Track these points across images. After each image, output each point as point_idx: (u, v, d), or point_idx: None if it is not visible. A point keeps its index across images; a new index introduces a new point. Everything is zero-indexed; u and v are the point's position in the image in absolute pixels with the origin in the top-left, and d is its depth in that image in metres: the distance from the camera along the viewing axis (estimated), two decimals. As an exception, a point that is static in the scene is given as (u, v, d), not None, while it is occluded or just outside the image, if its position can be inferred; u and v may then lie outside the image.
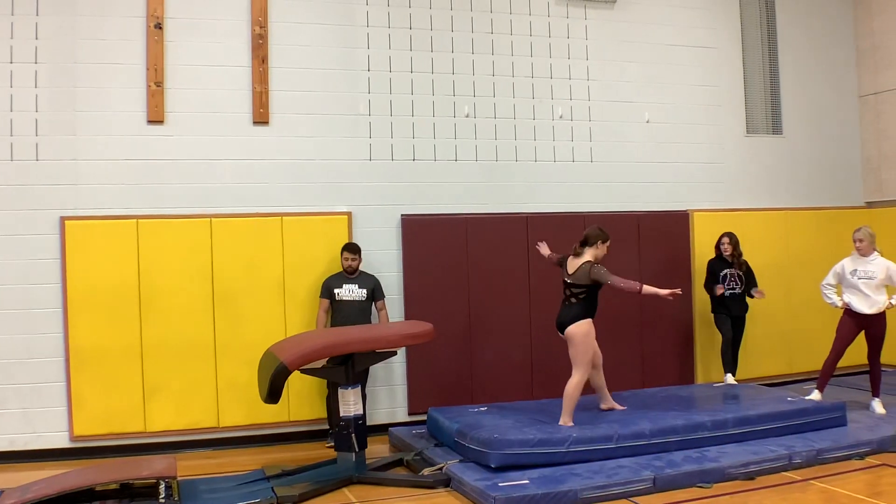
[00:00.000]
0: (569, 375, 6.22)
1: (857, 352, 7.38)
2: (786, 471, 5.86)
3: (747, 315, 8.33)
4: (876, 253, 7.20)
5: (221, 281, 7.17)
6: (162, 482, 5.35)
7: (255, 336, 6.97)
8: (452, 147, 8.05)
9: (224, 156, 7.33)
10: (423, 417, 7.26)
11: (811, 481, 5.63)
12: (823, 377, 7.37)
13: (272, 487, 5.66)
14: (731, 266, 8.21)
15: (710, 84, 9.08)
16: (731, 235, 8.25)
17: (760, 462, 5.85)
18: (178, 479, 5.57)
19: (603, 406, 6.79)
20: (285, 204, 7.45)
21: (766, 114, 9.46)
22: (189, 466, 6.38)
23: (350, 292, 7.13)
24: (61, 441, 6.82)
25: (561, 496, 5.23)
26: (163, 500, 5.24)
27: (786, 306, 9.05)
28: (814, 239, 9.22)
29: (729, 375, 8.20)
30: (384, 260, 7.69)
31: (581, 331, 6.20)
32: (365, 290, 7.17)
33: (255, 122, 7.43)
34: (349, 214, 7.61)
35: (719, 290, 8.09)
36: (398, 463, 6.42)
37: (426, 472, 5.94)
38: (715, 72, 9.11)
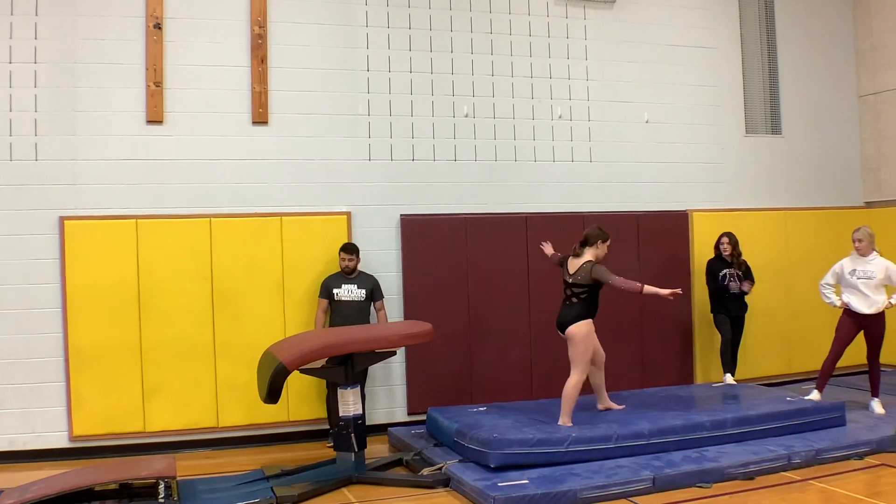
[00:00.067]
0: (568, 375, 6.22)
1: (856, 352, 7.38)
2: (785, 471, 5.86)
3: (746, 315, 8.34)
4: (875, 253, 7.20)
5: (221, 281, 7.17)
6: (161, 482, 5.35)
7: (255, 336, 6.97)
8: (452, 147, 8.05)
9: (223, 156, 7.33)
10: (423, 417, 7.27)
11: (810, 481, 5.64)
12: (823, 377, 7.37)
13: (271, 487, 5.66)
14: (730, 266, 8.22)
15: (710, 84, 9.07)
16: (730, 235, 8.26)
17: (760, 462, 5.85)
18: (178, 479, 5.57)
19: (600, 406, 6.78)
20: (285, 204, 7.45)
21: (766, 114, 9.46)
22: (188, 466, 6.38)
23: (349, 292, 7.13)
24: (61, 441, 6.81)
25: (560, 496, 5.23)
26: (162, 500, 5.24)
27: (785, 306, 9.05)
28: (813, 239, 9.22)
29: (728, 375, 8.21)
30: (383, 260, 7.69)
31: (582, 331, 6.20)
32: (364, 291, 7.17)
33: (255, 122, 7.43)
34: (348, 214, 7.61)
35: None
36: (397, 463, 6.42)
37: (425, 472, 5.95)
38: (714, 72, 9.10)
